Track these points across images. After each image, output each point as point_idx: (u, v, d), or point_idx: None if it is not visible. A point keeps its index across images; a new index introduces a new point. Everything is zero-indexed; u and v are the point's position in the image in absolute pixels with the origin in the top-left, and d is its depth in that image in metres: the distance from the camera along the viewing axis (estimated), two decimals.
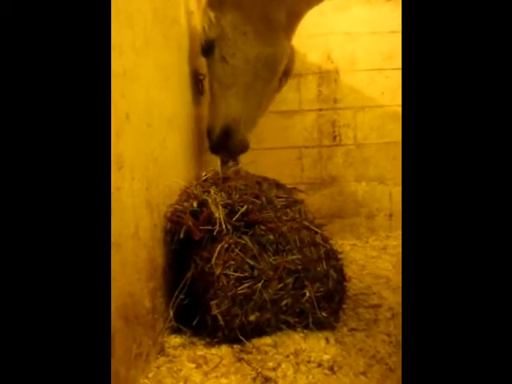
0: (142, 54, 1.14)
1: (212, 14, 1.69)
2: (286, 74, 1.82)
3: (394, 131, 2.62)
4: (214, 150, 1.82)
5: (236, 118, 1.72)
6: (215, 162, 2.09)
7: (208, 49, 1.74)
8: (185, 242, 1.23)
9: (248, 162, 1.80)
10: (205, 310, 1.19)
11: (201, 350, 1.14)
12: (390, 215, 2.70)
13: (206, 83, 1.99)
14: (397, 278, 1.87)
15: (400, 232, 2.54)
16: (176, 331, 1.22)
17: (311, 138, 2.68)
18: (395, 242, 2.46)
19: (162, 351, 1.12)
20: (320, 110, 2.68)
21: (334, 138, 2.68)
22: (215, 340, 1.17)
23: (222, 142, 1.73)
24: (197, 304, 1.23)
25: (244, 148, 1.82)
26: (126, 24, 1.03)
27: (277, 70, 1.71)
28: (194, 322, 1.20)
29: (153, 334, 1.08)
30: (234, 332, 1.15)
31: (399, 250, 2.32)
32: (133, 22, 1.08)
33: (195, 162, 1.78)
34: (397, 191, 2.65)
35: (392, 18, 2.55)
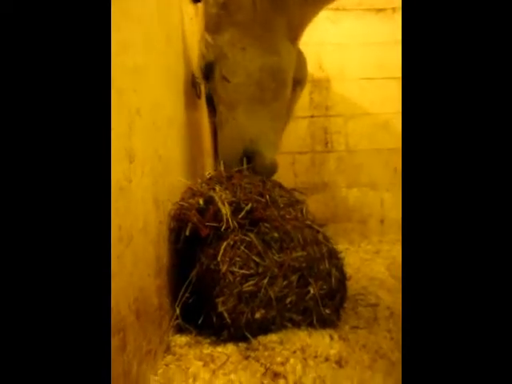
0: (149, 52, 1.16)
1: (209, 37, 1.63)
2: (300, 81, 1.70)
3: (385, 138, 2.70)
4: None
5: (254, 139, 1.53)
6: (212, 167, 2.09)
7: (208, 71, 1.66)
8: (190, 239, 1.22)
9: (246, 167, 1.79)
10: (210, 309, 1.18)
11: (207, 349, 1.13)
12: (382, 221, 2.76)
13: (203, 87, 2.01)
14: (391, 280, 1.90)
15: (392, 237, 2.60)
16: (181, 330, 1.21)
17: (304, 144, 2.73)
18: (388, 246, 2.50)
19: (167, 350, 1.10)
20: (312, 116, 2.74)
21: (326, 144, 2.74)
22: (221, 338, 1.16)
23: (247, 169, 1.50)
24: (201, 303, 1.22)
25: (273, 170, 1.59)
26: (136, 21, 1.04)
27: (284, 78, 1.60)
28: (200, 321, 1.19)
29: (159, 332, 1.06)
30: (241, 330, 1.14)
31: (392, 253, 2.37)
32: (141, 21, 1.09)
33: (194, 164, 1.79)
34: (388, 197, 2.72)
35: (382, 30, 2.66)
